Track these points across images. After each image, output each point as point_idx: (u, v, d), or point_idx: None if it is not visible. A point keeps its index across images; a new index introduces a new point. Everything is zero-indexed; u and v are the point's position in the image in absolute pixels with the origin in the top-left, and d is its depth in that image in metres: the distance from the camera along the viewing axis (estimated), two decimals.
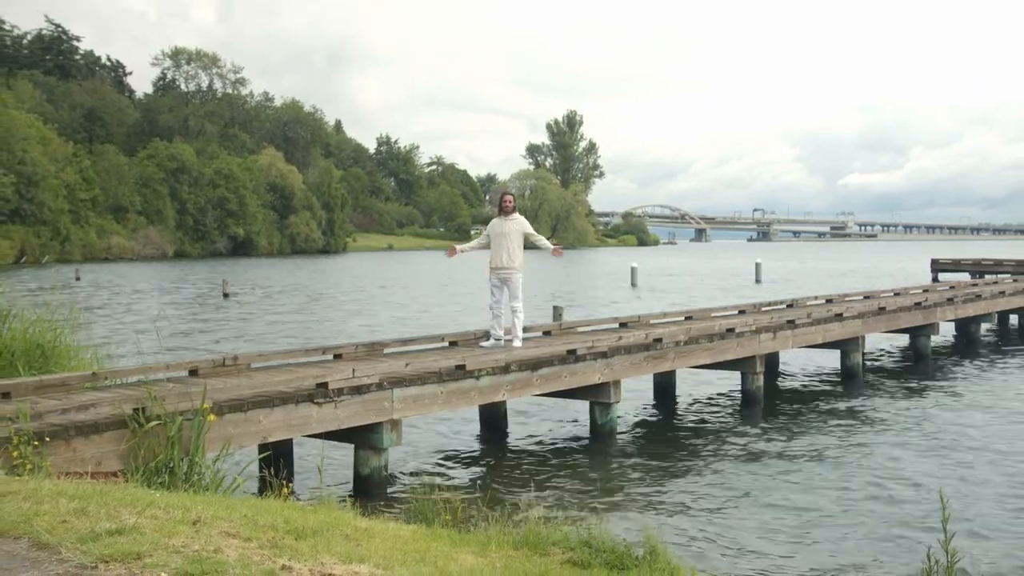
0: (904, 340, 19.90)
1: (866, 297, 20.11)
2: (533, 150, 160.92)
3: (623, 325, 14.41)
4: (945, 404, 14.15)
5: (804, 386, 15.97)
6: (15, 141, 71.98)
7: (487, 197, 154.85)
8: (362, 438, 9.02)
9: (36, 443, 6.23)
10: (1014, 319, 24.38)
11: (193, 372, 9.27)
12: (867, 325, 16.84)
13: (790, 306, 17.92)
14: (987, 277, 33.92)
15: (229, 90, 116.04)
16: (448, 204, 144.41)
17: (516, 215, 11.83)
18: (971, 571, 6.96)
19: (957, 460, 10.65)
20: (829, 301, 19.08)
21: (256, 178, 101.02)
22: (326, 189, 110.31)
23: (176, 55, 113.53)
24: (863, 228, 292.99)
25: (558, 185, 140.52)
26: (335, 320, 28.01)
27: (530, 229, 11.87)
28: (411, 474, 10.02)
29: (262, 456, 8.59)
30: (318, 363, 10.28)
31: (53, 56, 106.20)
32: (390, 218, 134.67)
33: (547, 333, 13.43)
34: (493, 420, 12.21)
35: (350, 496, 8.64)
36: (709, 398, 14.61)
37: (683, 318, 15.71)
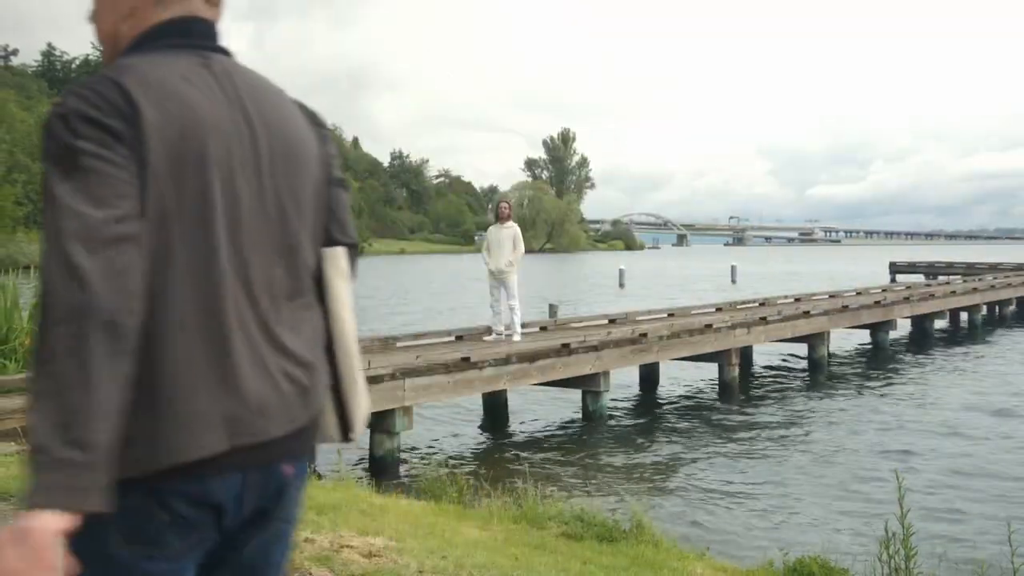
0: (865, 335, 19.87)
1: (831, 296, 20.09)
2: (531, 164, 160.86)
3: (612, 321, 14.40)
4: (901, 392, 14.16)
5: (775, 377, 15.96)
6: None
7: (489, 206, 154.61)
8: (377, 423, 9.02)
9: None
10: (964, 316, 24.35)
11: None
12: (832, 321, 16.83)
13: (762, 304, 17.91)
14: (940, 278, 33.90)
15: None
16: (455, 212, 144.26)
17: (511, 222, 11.72)
18: (925, 543, 6.96)
19: (912, 442, 10.65)
20: (797, 300, 19.06)
21: None
22: None
23: None
24: (828, 234, 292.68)
25: (553, 195, 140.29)
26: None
27: (519, 237, 11.71)
28: (421, 455, 10.01)
29: None
30: None
31: None
32: (402, 225, 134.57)
33: (543, 328, 13.43)
34: (495, 407, 12.20)
35: (366, 475, 8.64)
36: (689, 387, 14.59)
37: (666, 315, 15.70)
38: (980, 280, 27.13)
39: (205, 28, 1.40)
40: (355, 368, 1.50)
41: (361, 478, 8.24)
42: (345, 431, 1.50)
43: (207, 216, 1.27)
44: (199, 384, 1.26)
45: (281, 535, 1.44)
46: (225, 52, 1.41)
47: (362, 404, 1.52)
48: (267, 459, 1.34)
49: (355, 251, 1.57)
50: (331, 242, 1.50)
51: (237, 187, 1.31)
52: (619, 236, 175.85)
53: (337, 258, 1.50)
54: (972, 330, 23.39)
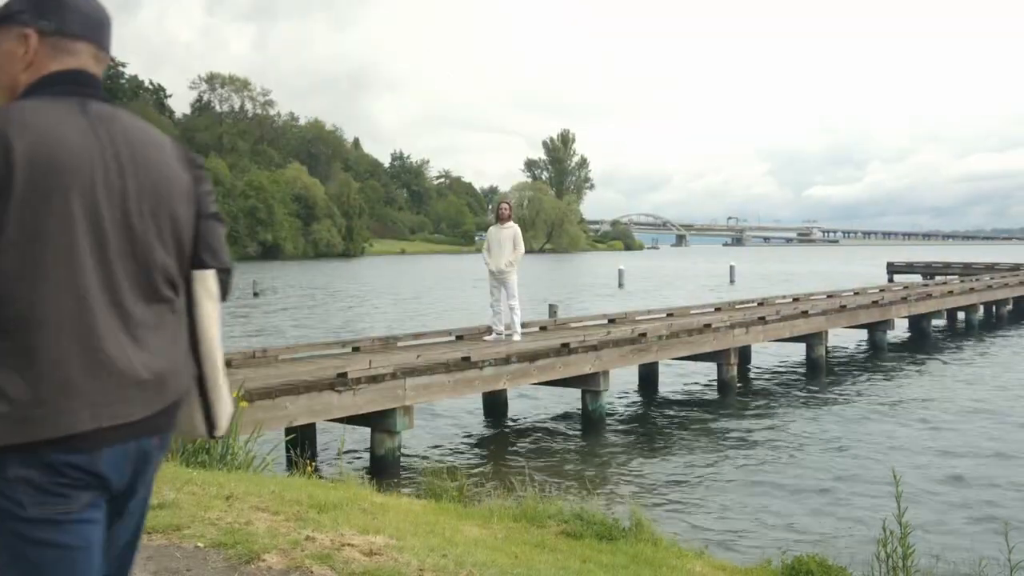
0: (863, 335, 19.88)
1: (829, 296, 20.08)
2: (531, 164, 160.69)
3: (611, 321, 14.41)
4: (899, 392, 14.15)
5: (773, 376, 15.96)
6: None
7: (489, 207, 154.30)
8: (378, 422, 9.02)
9: None
10: (961, 316, 24.35)
11: (227, 363, 9.22)
12: (830, 321, 16.83)
13: (761, 304, 17.91)
14: (937, 278, 33.89)
15: (259, 111, 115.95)
16: (455, 213, 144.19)
17: (511, 223, 11.71)
18: (923, 542, 6.95)
19: (909, 440, 10.65)
20: (796, 299, 19.06)
21: (283, 190, 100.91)
22: (345, 199, 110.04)
23: (211, 80, 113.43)
24: (826, 234, 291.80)
25: (553, 196, 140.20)
26: (354, 316, 28.00)
27: (519, 237, 11.70)
28: (422, 455, 10.02)
29: (288, 438, 8.57)
30: (339, 355, 10.28)
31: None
32: (403, 225, 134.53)
33: (543, 328, 13.44)
34: (495, 406, 12.21)
35: (367, 474, 8.64)
36: (688, 386, 14.60)
37: (665, 315, 15.70)
38: (977, 280, 27.13)
39: (90, 79, 1.66)
40: (219, 376, 1.77)
41: (362, 476, 8.24)
42: (211, 429, 1.78)
43: (71, 234, 1.52)
44: (73, 372, 1.50)
45: (144, 495, 1.71)
46: (106, 101, 1.66)
47: (225, 406, 1.79)
48: (135, 435, 1.59)
49: (226, 275, 1.81)
50: (201, 266, 1.75)
51: (101, 211, 1.56)
52: (618, 236, 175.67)
53: (206, 279, 1.76)
54: (969, 330, 23.39)
